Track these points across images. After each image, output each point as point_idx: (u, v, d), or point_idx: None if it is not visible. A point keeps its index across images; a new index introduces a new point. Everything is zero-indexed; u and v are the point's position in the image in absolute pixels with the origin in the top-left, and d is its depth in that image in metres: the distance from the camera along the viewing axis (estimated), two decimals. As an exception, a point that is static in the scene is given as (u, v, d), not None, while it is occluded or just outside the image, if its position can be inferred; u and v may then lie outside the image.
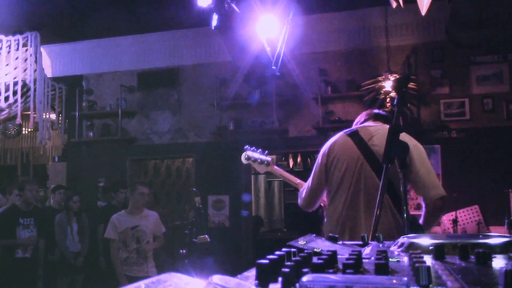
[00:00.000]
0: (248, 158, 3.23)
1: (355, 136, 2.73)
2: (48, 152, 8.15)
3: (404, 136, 2.54)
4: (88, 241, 6.49)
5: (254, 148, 3.28)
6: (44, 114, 6.27)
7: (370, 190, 2.59)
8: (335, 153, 2.74)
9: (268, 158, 3.23)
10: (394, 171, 2.31)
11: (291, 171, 10.16)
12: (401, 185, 1.97)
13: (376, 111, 3.00)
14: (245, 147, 3.29)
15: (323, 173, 2.78)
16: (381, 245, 1.13)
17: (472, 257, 0.83)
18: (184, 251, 4.84)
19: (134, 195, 5.09)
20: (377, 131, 2.70)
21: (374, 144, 2.65)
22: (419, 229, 2.55)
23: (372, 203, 2.52)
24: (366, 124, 2.84)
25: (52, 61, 7.99)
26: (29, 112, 6.39)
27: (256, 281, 0.64)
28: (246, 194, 7.32)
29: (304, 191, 2.90)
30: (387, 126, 2.66)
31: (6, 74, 6.15)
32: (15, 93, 6.11)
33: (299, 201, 2.95)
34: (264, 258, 0.68)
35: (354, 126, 2.91)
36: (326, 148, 2.80)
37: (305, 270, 0.65)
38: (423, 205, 2.64)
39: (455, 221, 5.77)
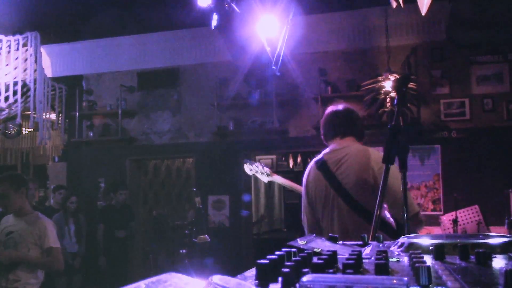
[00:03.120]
0: (251, 170, 3.54)
1: (322, 167, 2.77)
2: (48, 152, 8.13)
3: (373, 152, 2.66)
4: (85, 242, 6.50)
5: (250, 160, 3.61)
6: (44, 114, 6.27)
7: (344, 218, 2.67)
8: (311, 188, 2.84)
9: (267, 169, 3.49)
10: (356, 186, 2.58)
11: (291, 171, 10.20)
12: (402, 186, 1.97)
13: (335, 109, 2.89)
14: (244, 161, 3.62)
15: (310, 208, 2.87)
16: (381, 245, 1.13)
17: (472, 257, 0.83)
18: (184, 251, 4.84)
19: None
20: (344, 157, 2.71)
21: (341, 173, 2.69)
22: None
23: (345, 230, 2.63)
24: (333, 145, 2.82)
25: (52, 61, 7.98)
26: (29, 112, 6.39)
27: (256, 281, 0.64)
28: (246, 194, 7.32)
29: (305, 224, 2.95)
30: (356, 146, 2.75)
31: (6, 74, 6.15)
32: (15, 93, 6.10)
33: (306, 231, 3.00)
34: (264, 258, 0.68)
35: (323, 150, 2.91)
36: (304, 185, 2.90)
37: (305, 270, 0.65)
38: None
39: (455, 221, 5.77)
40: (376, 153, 2.68)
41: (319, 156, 2.86)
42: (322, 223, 2.80)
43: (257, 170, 3.46)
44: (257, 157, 10.16)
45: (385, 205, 2.68)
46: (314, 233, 2.87)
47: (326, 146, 2.93)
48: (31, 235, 3.73)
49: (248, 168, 3.54)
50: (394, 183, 2.53)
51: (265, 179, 3.49)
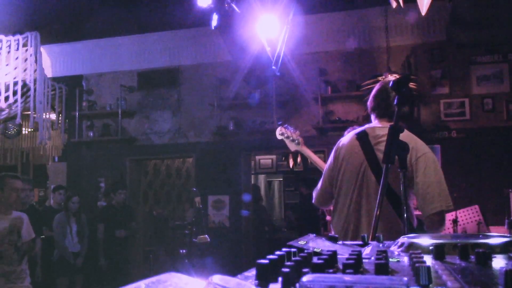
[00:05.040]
0: (282, 134, 3.40)
1: (362, 138, 2.71)
2: (48, 152, 8.14)
3: (416, 142, 2.55)
4: (87, 242, 6.50)
5: (287, 125, 3.45)
6: (44, 114, 6.27)
7: (372, 195, 2.61)
8: (342, 155, 2.76)
9: (300, 138, 3.37)
10: (391, 173, 2.32)
11: (291, 171, 10.21)
12: (401, 185, 1.97)
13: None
14: (279, 123, 3.48)
15: (330, 174, 2.82)
16: (381, 245, 1.13)
17: (472, 257, 0.83)
18: (184, 251, 4.84)
19: (5, 191, 4.09)
20: (386, 136, 2.67)
21: (379, 149, 2.62)
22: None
23: (373, 208, 2.55)
24: (379, 123, 2.76)
25: (52, 61, 7.99)
26: (29, 112, 6.39)
27: (256, 281, 0.64)
28: (246, 194, 7.32)
29: (317, 189, 2.95)
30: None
31: (6, 74, 6.15)
32: (15, 93, 6.11)
33: (313, 198, 3.01)
34: (264, 258, 0.68)
35: (366, 124, 2.85)
36: (334, 150, 2.84)
37: (305, 270, 0.65)
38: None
39: (455, 221, 5.76)
40: (420, 142, 2.60)
41: (360, 129, 2.81)
42: (340, 191, 2.74)
43: (288, 135, 3.36)
44: (257, 157, 10.17)
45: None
46: (323, 198, 2.88)
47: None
48: (21, 229, 4.11)
49: (280, 132, 3.41)
50: (427, 172, 2.48)
51: (292, 147, 3.38)
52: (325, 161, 3.00)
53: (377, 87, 2.85)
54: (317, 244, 1.00)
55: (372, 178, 2.61)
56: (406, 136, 2.52)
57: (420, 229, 2.56)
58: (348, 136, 2.83)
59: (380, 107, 2.78)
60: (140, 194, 8.22)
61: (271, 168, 10.41)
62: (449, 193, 2.50)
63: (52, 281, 6.21)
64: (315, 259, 0.71)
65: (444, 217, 2.55)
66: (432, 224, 2.52)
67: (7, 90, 6.11)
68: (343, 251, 0.94)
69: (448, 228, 5.87)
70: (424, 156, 2.55)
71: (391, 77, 6.07)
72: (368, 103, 2.88)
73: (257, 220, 7.86)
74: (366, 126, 2.80)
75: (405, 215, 1.93)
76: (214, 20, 4.83)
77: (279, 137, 3.44)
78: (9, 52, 6.13)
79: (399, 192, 2.43)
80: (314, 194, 2.98)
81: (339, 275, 0.59)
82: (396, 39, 6.60)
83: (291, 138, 3.36)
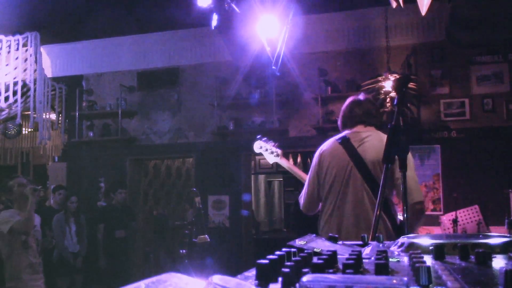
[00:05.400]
0: (261, 147, 3.43)
1: (345, 142, 2.84)
2: (48, 152, 8.14)
3: None
4: (86, 242, 6.50)
5: (265, 138, 3.47)
6: (44, 114, 6.27)
7: (358, 194, 2.73)
8: (326, 160, 2.87)
9: (278, 150, 3.41)
10: (379, 171, 2.52)
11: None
12: (401, 185, 1.97)
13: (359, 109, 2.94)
14: (257, 137, 3.50)
15: (315, 179, 2.92)
16: (381, 245, 1.13)
17: (472, 257, 0.83)
18: (184, 251, 4.84)
19: (14, 190, 4.29)
20: (367, 137, 2.80)
21: (363, 149, 2.76)
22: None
23: (359, 206, 2.71)
24: (356, 129, 2.90)
25: (52, 61, 7.99)
26: (29, 112, 6.39)
27: (256, 281, 0.64)
28: (246, 194, 7.32)
29: (303, 196, 3.03)
30: (378, 132, 2.85)
31: (6, 74, 6.15)
32: (15, 93, 6.10)
33: (300, 205, 3.08)
34: (264, 258, 0.68)
35: (343, 131, 2.95)
36: (318, 156, 2.94)
37: (305, 270, 0.65)
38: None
39: (455, 221, 5.76)
40: None
41: (340, 135, 2.92)
42: (327, 193, 2.84)
43: (266, 148, 3.40)
44: (257, 157, 10.17)
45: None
46: (311, 203, 2.95)
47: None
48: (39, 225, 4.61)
49: (258, 146, 3.43)
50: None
51: (271, 159, 3.40)
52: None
53: (344, 105, 3.02)
54: (317, 244, 1.00)
55: (357, 176, 2.73)
56: (383, 136, 2.72)
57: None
58: (328, 142, 2.94)
59: (350, 118, 2.93)
60: (140, 194, 8.22)
61: (271, 168, 10.40)
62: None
63: (52, 281, 6.21)
64: (315, 259, 0.71)
65: (424, 206, 2.83)
66: (415, 211, 2.67)
67: (7, 90, 6.11)
68: (343, 251, 0.94)
69: (448, 228, 5.88)
70: None
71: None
72: (338, 123, 3.03)
73: (245, 221, 7.87)
74: (345, 132, 2.92)
75: (405, 215, 1.93)
76: (214, 20, 4.83)
77: (257, 150, 3.46)
78: (9, 52, 6.13)
79: (386, 190, 2.55)
80: (301, 201, 3.03)
81: (339, 275, 0.59)
82: (396, 39, 6.60)
83: (270, 150, 3.40)
